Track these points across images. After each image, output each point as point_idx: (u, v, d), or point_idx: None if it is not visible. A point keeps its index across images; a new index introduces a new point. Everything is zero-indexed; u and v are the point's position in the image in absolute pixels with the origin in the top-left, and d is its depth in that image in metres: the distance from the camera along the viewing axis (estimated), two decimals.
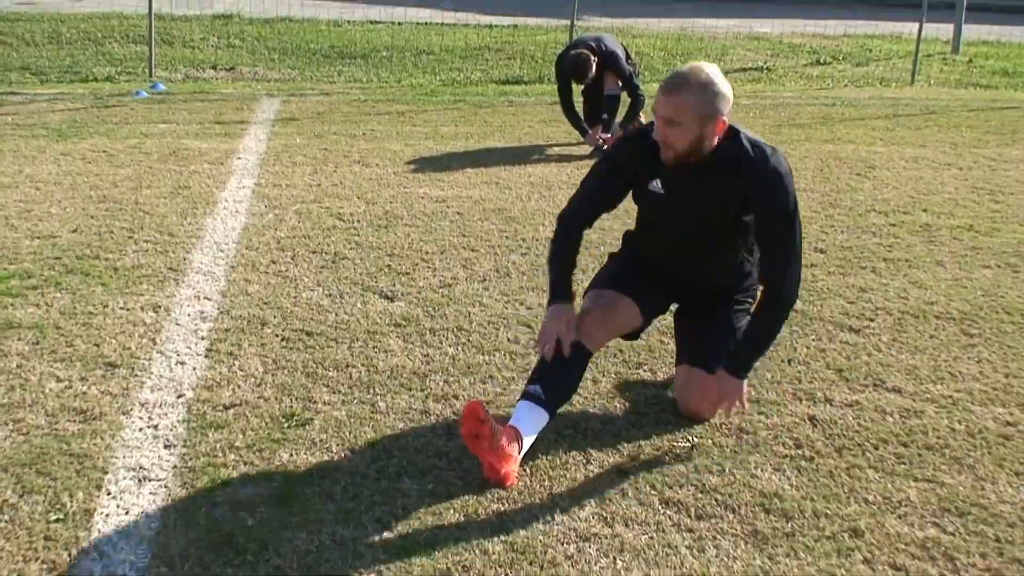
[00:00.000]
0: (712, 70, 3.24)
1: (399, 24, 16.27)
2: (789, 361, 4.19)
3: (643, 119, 8.92)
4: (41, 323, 4.35)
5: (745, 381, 3.44)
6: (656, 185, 3.49)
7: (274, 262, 5.27)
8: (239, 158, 7.57)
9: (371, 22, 17.03)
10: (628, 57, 8.40)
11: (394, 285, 4.96)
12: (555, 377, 3.36)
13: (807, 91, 12.55)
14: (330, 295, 4.80)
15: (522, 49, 14.60)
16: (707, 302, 3.73)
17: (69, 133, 8.31)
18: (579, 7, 13.32)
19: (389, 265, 5.26)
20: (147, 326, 4.37)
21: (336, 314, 4.56)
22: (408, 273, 5.15)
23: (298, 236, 5.71)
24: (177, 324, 4.41)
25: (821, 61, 15.39)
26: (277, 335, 4.29)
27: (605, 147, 7.98)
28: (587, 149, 8.20)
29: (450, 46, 14.62)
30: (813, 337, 4.46)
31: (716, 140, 3.29)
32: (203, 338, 4.26)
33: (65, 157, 7.43)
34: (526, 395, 3.33)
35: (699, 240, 3.57)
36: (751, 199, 3.35)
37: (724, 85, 3.25)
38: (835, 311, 4.79)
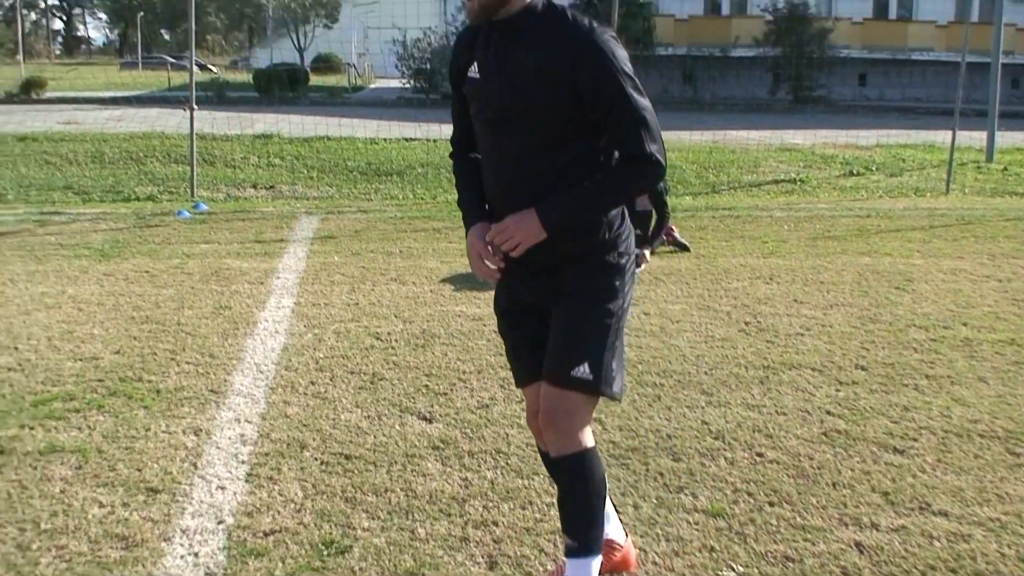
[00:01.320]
0: None
1: (434, 141, 16.57)
2: (834, 485, 4.14)
3: (675, 232, 9.02)
4: (84, 447, 4.38)
5: (541, 229, 2.88)
6: (474, 69, 3.01)
7: (313, 383, 5.29)
8: (279, 277, 7.67)
9: (406, 139, 17.38)
10: None
11: (432, 406, 4.97)
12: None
13: (841, 202, 12.62)
14: (368, 417, 4.81)
15: None
16: (564, 278, 3.03)
17: (112, 253, 8.46)
18: None
19: (427, 385, 5.27)
20: (188, 450, 4.39)
21: (375, 436, 4.56)
22: (446, 393, 5.16)
23: (336, 356, 5.75)
24: (218, 448, 4.43)
25: (854, 172, 15.51)
26: (316, 459, 4.30)
27: (642, 266, 8.05)
28: None
29: None
30: (858, 459, 4.41)
31: None
32: (243, 462, 4.27)
33: (108, 277, 7.56)
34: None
35: (525, 133, 2.91)
36: (578, 65, 2.79)
37: None
38: (879, 431, 4.74)
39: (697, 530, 3.75)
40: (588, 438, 3.02)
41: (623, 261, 3.04)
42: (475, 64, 3.00)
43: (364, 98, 33.95)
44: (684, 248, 9.00)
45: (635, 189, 3.08)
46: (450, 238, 9.33)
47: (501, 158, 2.98)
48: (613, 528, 3.37)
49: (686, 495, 4.04)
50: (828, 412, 4.96)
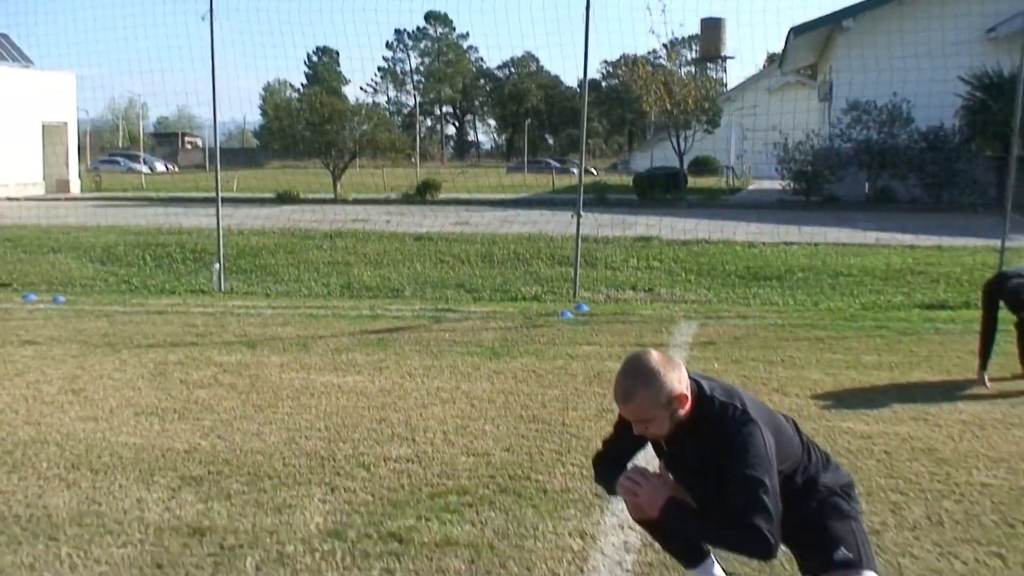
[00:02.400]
0: (652, 358, 3.40)
1: (815, 245, 16.29)
2: None
3: None
4: (477, 542, 4.59)
5: (658, 511, 3.44)
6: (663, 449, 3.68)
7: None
8: None
9: (785, 243, 17.17)
10: None
11: None
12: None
13: None
14: None
15: (947, 272, 14.11)
16: None
17: (501, 351, 8.89)
18: (1010, 226, 12.71)
19: None
20: (575, 553, 4.50)
21: None
22: None
23: None
24: (603, 553, 4.51)
25: None
26: None
27: None
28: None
29: (869, 268, 14.42)
30: None
31: (688, 407, 3.43)
32: (628, 571, 4.32)
33: (498, 375, 7.94)
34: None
35: (714, 502, 3.46)
36: (722, 454, 3.38)
37: (667, 366, 3.39)
38: None
39: None
40: None
41: (842, 491, 3.75)
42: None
43: (742, 200, 33.97)
44: None
45: (733, 545, 3.42)
46: (835, 348, 9.07)
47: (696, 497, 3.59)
48: None
49: None
50: None
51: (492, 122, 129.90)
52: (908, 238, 18.54)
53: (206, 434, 6.33)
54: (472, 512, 4.98)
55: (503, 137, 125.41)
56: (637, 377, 3.38)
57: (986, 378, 7.76)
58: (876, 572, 3.52)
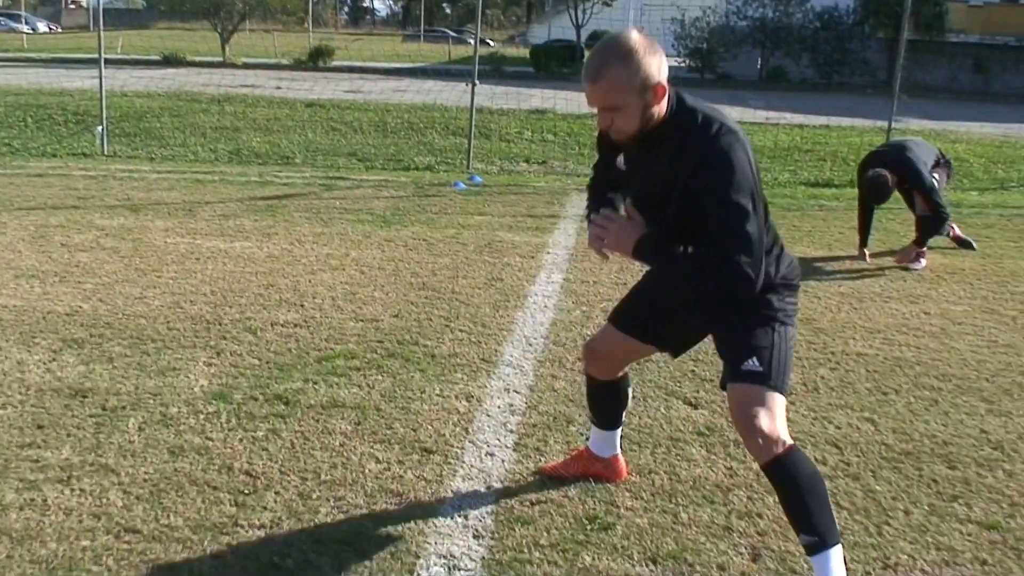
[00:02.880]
0: (632, 37, 2.93)
1: None
2: None
3: (956, 229, 8.57)
4: (363, 404, 4.62)
5: (630, 250, 3.05)
6: (620, 160, 3.21)
7: (580, 359, 5.36)
8: (549, 252, 7.81)
9: None
10: (939, 162, 8.02)
11: (698, 392, 4.95)
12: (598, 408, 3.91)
13: None
14: (634, 397, 4.83)
15: (834, 151, 14.38)
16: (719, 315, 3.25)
17: (392, 220, 8.84)
18: (896, 108, 12.97)
19: (693, 370, 5.25)
20: (460, 415, 4.56)
21: (640, 418, 4.59)
22: (713, 380, 5.12)
23: None
24: (488, 415, 4.57)
25: None
26: (582, 434, 4.36)
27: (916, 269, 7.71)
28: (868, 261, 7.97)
29: (758, 146, 14.58)
30: None
31: (664, 107, 2.98)
32: (512, 431, 4.40)
33: (388, 243, 7.91)
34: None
35: (669, 227, 3.07)
36: (697, 171, 2.92)
37: (649, 48, 2.92)
38: None
39: (970, 541, 3.59)
40: (779, 440, 3.04)
41: (781, 283, 3.23)
42: (621, 155, 3.21)
43: None
44: (969, 246, 8.55)
45: (715, 285, 2.95)
46: None
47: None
48: (602, 444, 3.93)
49: (960, 505, 3.87)
50: None
51: None
52: (798, 117, 18.80)
53: (87, 297, 6.21)
54: (359, 376, 5.00)
55: (400, 5, 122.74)
56: (612, 54, 2.91)
57: (867, 254, 7.99)
58: (782, 392, 3.11)
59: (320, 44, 36.60)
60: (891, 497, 3.89)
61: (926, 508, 3.82)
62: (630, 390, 3.93)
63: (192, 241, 7.80)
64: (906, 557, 3.44)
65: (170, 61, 32.92)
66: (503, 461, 4.10)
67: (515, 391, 4.89)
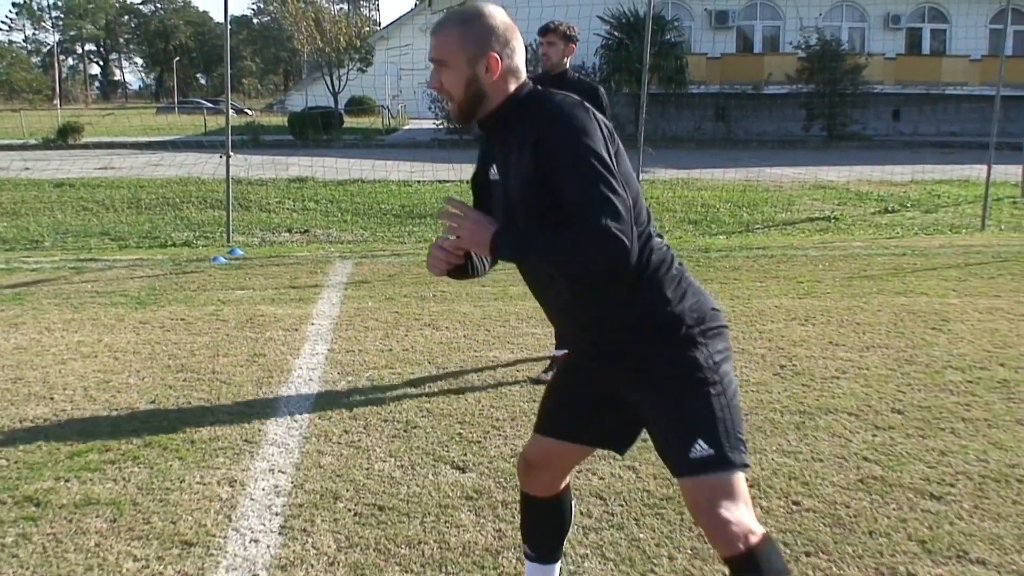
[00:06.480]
0: (490, 8, 2.81)
1: (467, 183, 16.64)
2: (871, 533, 4.09)
3: None
4: (119, 499, 4.40)
5: (486, 246, 2.73)
6: (493, 171, 2.92)
7: (346, 431, 5.30)
8: (313, 323, 7.71)
9: (439, 181, 17.47)
10: None
11: (465, 455, 4.96)
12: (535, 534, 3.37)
13: (876, 240, 12.55)
14: (402, 466, 4.81)
15: None
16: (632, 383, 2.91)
17: (148, 300, 8.54)
18: (643, 160, 13.52)
19: (460, 433, 5.27)
20: (223, 501, 4.40)
21: (408, 487, 4.56)
22: (479, 441, 5.15)
23: (370, 404, 5.77)
24: (252, 499, 4.44)
25: (889, 209, 15.46)
26: (350, 510, 4.30)
27: None
28: None
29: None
30: (894, 506, 4.36)
31: (496, 84, 2.80)
32: (277, 514, 4.28)
33: (144, 325, 7.62)
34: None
35: (540, 218, 2.77)
36: (542, 140, 2.68)
37: (502, 27, 2.80)
38: (915, 477, 4.68)
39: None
40: (749, 531, 2.71)
41: (702, 333, 2.83)
42: (493, 166, 2.91)
43: (398, 140, 34.21)
44: None
45: (584, 258, 2.63)
46: (483, 282, 9.34)
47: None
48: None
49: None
50: (864, 458, 4.91)
51: (139, 61, 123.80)
52: None
53: None
54: (114, 469, 4.76)
55: (152, 77, 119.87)
56: (460, 13, 2.81)
57: None
58: (741, 461, 2.74)
59: (69, 121, 35.22)
60: (655, 544, 3.99)
61: (689, 552, 3.94)
62: (572, 513, 3.40)
63: None
64: None
65: None
66: (268, 547, 3.97)
67: (280, 471, 4.76)
